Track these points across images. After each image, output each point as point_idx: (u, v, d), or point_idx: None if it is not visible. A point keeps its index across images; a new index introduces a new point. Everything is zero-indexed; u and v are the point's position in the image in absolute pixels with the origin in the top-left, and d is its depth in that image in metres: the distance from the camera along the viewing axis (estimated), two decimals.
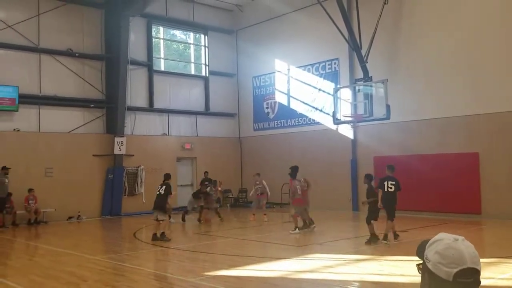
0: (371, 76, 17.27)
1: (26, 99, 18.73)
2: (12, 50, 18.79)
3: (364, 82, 17.37)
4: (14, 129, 18.54)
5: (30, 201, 17.99)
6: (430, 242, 1.74)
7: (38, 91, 19.26)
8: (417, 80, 17.83)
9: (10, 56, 18.79)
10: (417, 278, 1.77)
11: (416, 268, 1.80)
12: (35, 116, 19.19)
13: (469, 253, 1.66)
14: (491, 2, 16.18)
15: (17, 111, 18.39)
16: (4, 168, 17.37)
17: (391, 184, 11.66)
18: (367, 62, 17.44)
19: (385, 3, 17.95)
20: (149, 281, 8.48)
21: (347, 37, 17.87)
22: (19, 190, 17.72)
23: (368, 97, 17.13)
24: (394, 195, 11.70)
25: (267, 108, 23.87)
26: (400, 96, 17.69)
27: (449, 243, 1.68)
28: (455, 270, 1.63)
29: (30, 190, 17.99)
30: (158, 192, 13.39)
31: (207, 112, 24.37)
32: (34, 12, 19.23)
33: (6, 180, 17.33)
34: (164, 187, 13.35)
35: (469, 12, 16.58)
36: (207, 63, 24.71)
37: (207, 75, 24.59)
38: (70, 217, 19.18)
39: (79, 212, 19.43)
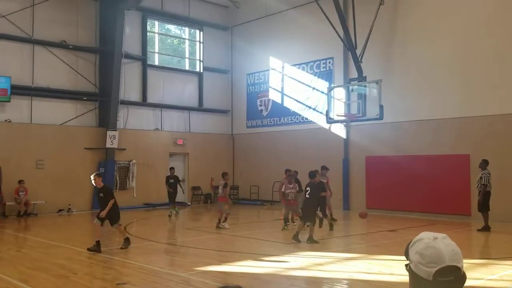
0: (365, 76, 17.32)
1: (19, 90, 18.62)
2: (6, 41, 18.65)
3: (358, 82, 17.42)
4: (6, 120, 18.43)
5: (20, 193, 17.88)
6: (412, 242, 1.73)
7: (30, 82, 19.15)
8: (410, 81, 17.92)
9: (3, 47, 18.63)
10: (406, 277, 1.78)
11: (405, 268, 1.78)
12: (27, 107, 19.07)
13: (448, 251, 1.64)
14: (484, 7, 16.27)
15: (9, 101, 18.27)
16: None
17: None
18: (361, 62, 17.50)
19: (381, 4, 18.03)
20: (138, 275, 8.46)
21: (342, 37, 17.93)
22: (10, 182, 17.64)
23: (362, 97, 17.18)
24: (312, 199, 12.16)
25: (261, 105, 23.86)
26: (394, 96, 17.77)
27: (428, 242, 1.67)
28: (434, 269, 1.61)
29: (20, 182, 17.89)
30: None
31: (200, 108, 24.32)
32: (29, 3, 19.08)
33: None
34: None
35: (462, 16, 16.67)
36: (201, 59, 24.65)
37: (201, 71, 24.54)
38: (60, 210, 19.10)
39: (69, 205, 19.34)
